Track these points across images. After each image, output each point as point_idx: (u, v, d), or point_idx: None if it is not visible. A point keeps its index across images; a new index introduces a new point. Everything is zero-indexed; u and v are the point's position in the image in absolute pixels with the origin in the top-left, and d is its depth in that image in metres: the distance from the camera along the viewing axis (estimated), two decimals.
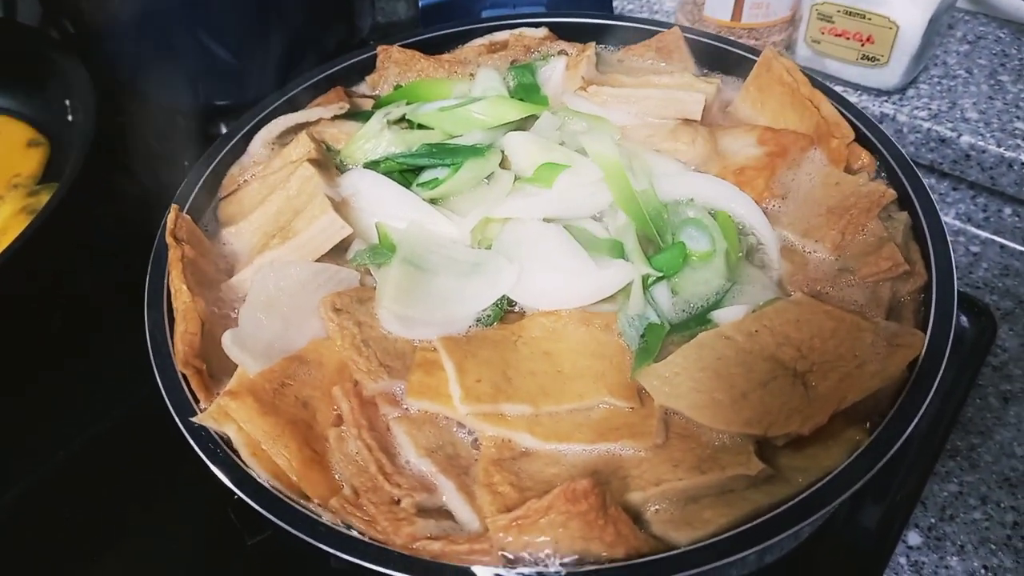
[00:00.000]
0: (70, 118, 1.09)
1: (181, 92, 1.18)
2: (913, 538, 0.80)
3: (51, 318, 0.95)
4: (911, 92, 1.12)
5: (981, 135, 1.05)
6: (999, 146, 1.04)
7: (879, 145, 0.82)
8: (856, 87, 1.14)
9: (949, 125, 1.07)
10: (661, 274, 0.72)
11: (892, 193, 0.77)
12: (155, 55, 1.13)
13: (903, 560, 0.79)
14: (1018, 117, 1.07)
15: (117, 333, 0.97)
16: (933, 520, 0.81)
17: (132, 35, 1.11)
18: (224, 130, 1.22)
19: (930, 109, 1.10)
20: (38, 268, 0.89)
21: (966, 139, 1.05)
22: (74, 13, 1.14)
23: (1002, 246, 1.09)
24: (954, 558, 0.79)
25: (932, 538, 0.80)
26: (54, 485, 0.89)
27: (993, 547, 0.79)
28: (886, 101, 1.12)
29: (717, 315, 0.70)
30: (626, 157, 0.79)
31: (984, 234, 1.11)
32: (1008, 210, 1.10)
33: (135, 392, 0.92)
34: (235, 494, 0.62)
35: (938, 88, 1.12)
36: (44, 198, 1.03)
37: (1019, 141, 1.04)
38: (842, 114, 0.84)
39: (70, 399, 0.95)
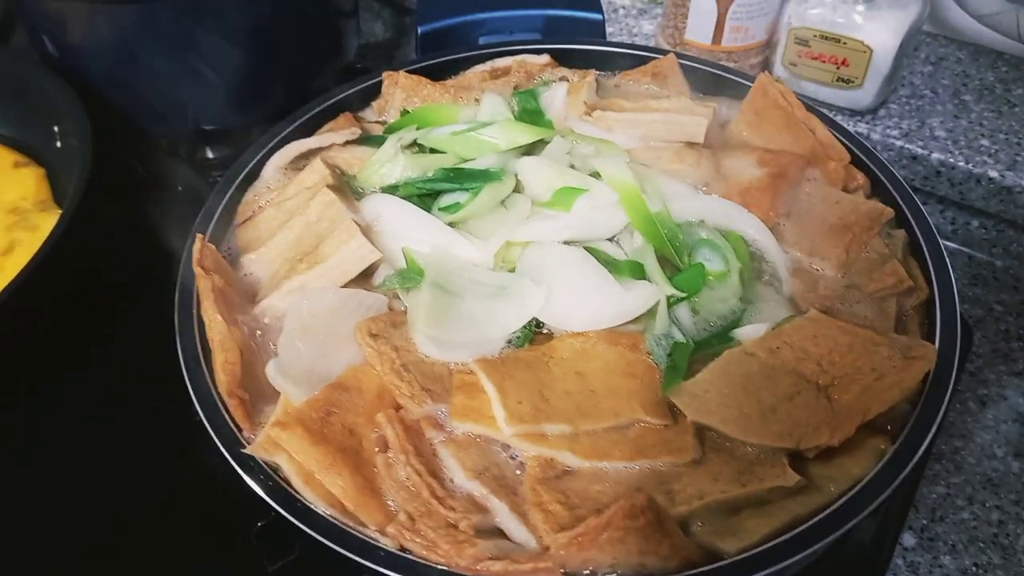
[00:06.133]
0: (59, 144, 1.06)
1: (166, 117, 1.15)
2: (908, 539, 0.83)
3: (55, 333, 0.92)
4: (882, 112, 1.17)
5: (950, 152, 1.10)
6: (967, 163, 1.09)
7: (872, 166, 0.86)
8: (831, 107, 1.17)
9: (920, 143, 1.12)
10: (684, 294, 0.74)
11: (890, 211, 0.81)
12: (140, 79, 1.10)
13: (900, 561, 0.81)
14: (983, 135, 1.12)
15: (121, 347, 0.97)
16: (925, 521, 0.84)
17: (115, 58, 1.09)
18: (210, 155, 1.22)
19: (901, 128, 1.14)
20: (44, 291, 0.86)
21: (936, 156, 1.10)
22: (56, 33, 1.12)
23: (970, 256, 1.14)
24: (946, 557, 0.82)
25: (925, 539, 0.83)
26: (63, 499, 0.87)
27: (982, 545, 0.82)
28: (860, 120, 1.16)
29: (739, 333, 0.72)
30: (639, 179, 0.81)
31: (953, 245, 1.16)
32: (976, 223, 1.15)
33: (141, 406, 0.92)
34: (269, 516, 0.61)
35: (907, 108, 1.17)
36: (36, 219, 1.01)
37: (985, 158, 1.09)
38: (836, 136, 0.87)
39: (80, 414, 0.93)
